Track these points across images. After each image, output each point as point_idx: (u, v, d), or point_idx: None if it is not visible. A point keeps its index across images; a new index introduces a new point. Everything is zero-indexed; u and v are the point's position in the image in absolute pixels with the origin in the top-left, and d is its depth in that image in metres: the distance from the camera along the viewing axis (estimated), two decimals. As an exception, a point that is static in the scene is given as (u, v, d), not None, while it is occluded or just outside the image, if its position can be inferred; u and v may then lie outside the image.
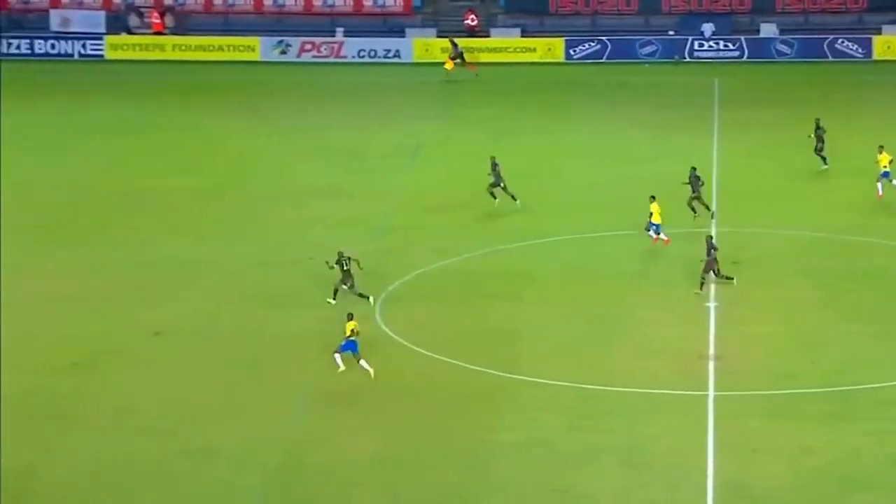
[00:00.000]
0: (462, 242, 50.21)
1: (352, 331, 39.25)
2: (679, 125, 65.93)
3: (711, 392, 37.98)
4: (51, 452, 35.22)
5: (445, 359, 40.57)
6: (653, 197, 47.93)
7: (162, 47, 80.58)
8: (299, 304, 44.56)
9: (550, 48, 79.92)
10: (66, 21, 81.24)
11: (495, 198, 52.42)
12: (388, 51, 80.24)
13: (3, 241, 49.85)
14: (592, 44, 79.82)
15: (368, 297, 43.80)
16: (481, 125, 66.55)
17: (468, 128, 66.32)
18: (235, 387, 39.07)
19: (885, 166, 52.87)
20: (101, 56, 79.95)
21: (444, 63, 75.64)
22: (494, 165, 52.61)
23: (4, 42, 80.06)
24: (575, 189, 56.61)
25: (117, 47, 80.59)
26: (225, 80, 75.49)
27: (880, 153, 53.43)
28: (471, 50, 77.77)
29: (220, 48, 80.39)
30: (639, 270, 47.79)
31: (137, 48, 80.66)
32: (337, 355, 39.28)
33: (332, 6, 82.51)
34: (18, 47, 79.92)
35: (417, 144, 63.49)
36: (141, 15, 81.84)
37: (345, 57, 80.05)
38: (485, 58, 79.25)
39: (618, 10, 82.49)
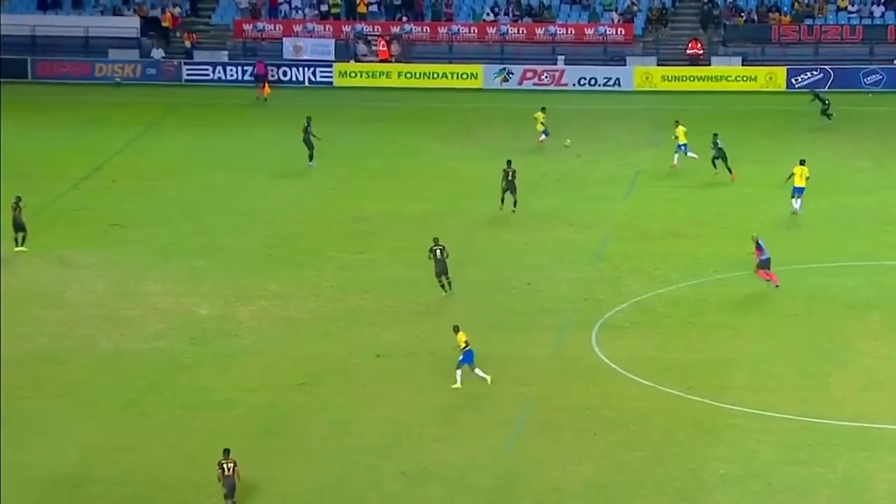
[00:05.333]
0: (678, 271, 50.15)
1: (465, 342, 40.25)
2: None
3: (935, 428, 37.35)
4: (274, 469, 36.22)
5: (661, 387, 40.62)
6: None
7: (388, 74, 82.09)
8: (517, 329, 45.02)
9: (772, 77, 79.24)
10: (298, 49, 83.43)
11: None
12: (609, 79, 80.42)
13: (231, 265, 51.40)
14: (815, 72, 78.88)
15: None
16: (700, 153, 66.17)
17: (686, 156, 65.98)
18: (452, 409, 39.69)
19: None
20: (330, 83, 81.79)
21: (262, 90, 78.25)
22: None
23: (239, 69, 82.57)
24: (793, 219, 56.04)
25: (345, 74, 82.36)
26: (448, 107, 76.54)
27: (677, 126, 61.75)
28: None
29: (444, 76, 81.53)
30: (858, 301, 47.14)
31: (364, 75, 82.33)
32: (458, 371, 40.14)
33: (554, 35, 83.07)
34: (253, 74, 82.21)
35: (635, 172, 63.51)
36: (368, 43, 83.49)
37: (565, 85, 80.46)
38: (705, 86, 78.98)
39: (841, 39, 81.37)
